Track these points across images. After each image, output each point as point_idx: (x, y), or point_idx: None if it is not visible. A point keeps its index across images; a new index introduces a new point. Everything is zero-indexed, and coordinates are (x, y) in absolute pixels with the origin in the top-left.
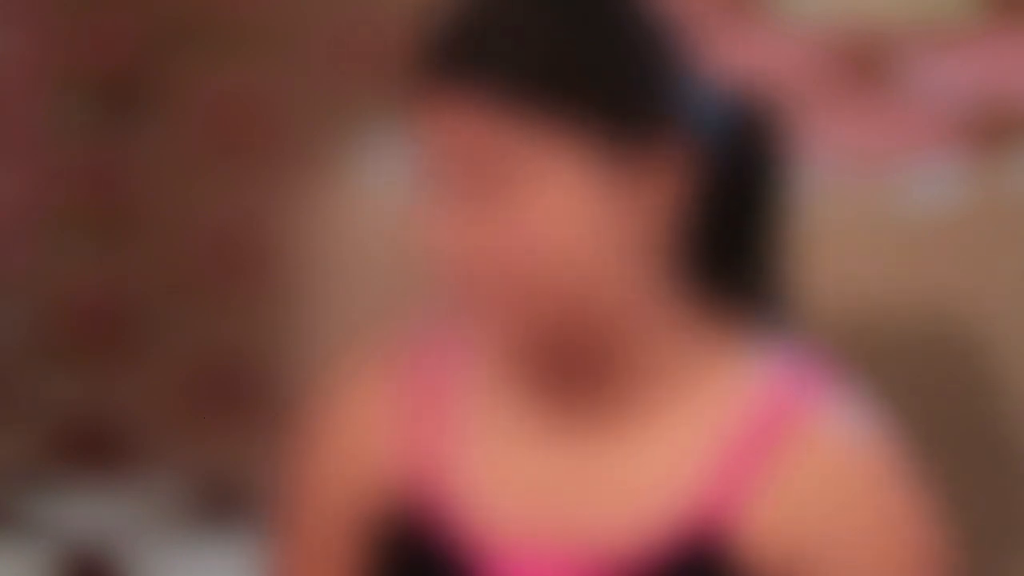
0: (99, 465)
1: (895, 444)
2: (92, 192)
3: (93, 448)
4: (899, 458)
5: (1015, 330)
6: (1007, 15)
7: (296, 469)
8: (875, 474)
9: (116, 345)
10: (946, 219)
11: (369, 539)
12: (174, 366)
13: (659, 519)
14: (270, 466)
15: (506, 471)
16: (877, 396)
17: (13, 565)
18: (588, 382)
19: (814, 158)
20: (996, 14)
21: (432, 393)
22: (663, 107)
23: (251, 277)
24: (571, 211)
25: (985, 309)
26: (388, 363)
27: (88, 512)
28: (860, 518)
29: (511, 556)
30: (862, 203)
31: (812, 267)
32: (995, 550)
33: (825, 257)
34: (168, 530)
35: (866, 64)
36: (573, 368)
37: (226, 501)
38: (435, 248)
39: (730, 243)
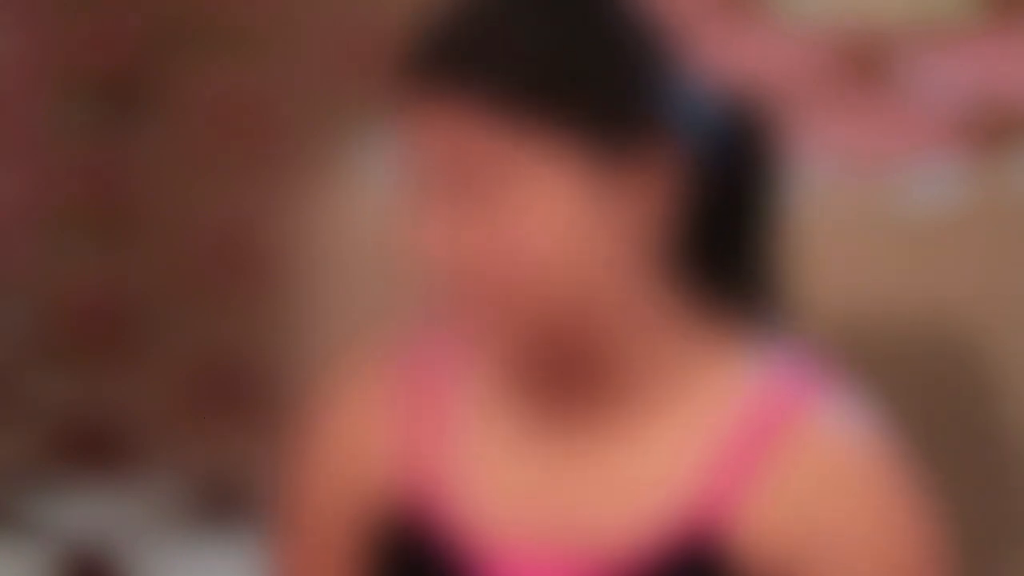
0: (99, 465)
1: (892, 444)
2: (92, 192)
3: (93, 448)
4: (896, 458)
5: (1015, 330)
6: (1007, 15)
7: (295, 470)
8: (872, 474)
9: (116, 345)
10: (946, 219)
11: (368, 540)
12: (174, 366)
13: (656, 520)
14: (270, 466)
15: (504, 472)
16: (875, 396)
17: (13, 565)
18: (584, 383)
19: (813, 158)
20: (996, 14)
21: (430, 394)
22: (653, 111)
23: (251, 277)
24: (560, 216)
25: (985, 309)
26: (387, 364)
27: (88, 512)
28: (857, 518)
29: (509, 557)
30: (862, 203)
31: (811, 267)
32: (992, 551)
33: (824, 257)
34: (168, 530)
35: (866, 64)
36: (569, 370)
37: (226, 501)
38: (424, 252)
39: (726, 244)
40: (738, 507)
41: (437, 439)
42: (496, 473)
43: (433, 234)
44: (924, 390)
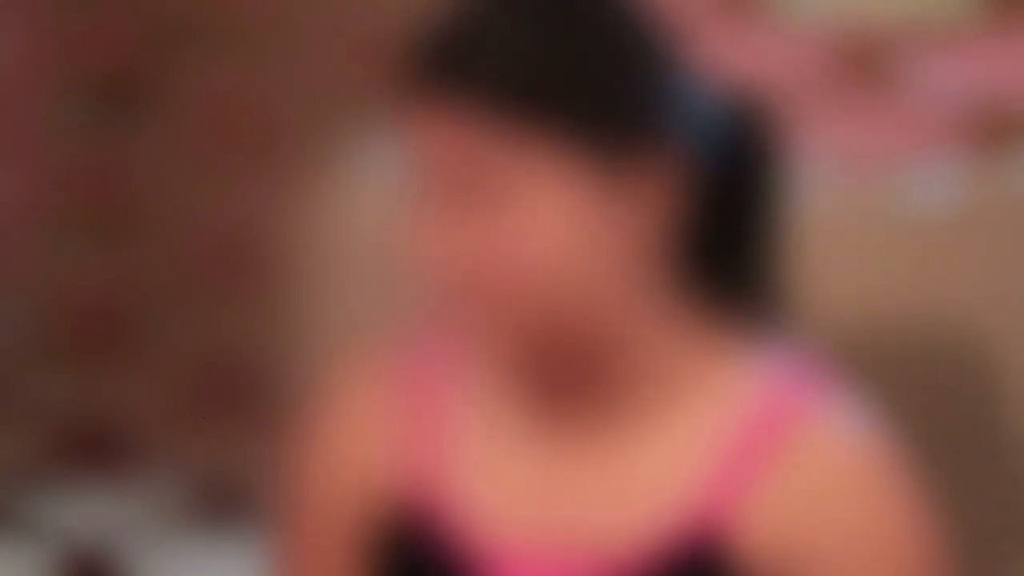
0: (99, 465)
1: (893, 446)
2: (92, 192)
3: (93, 448)
4: (897, 460)
5: (1015, 330)
6: (1007, 15)
7: (295, 471)
8: (872, 476)
9: (116, 345)
10: (946, 219)
11: (369, 540)
12: (174, 366)
13: (657, 522)
14: (270, 466)
15: (505, 473)
16: (875, 397)
17: (13, 565)
18: (585, 385)
19: (814, 158)
20: (996, 14)
21: (431, 395)
22: (653, 116)
23: (251, 277)
24: (561, 219)
25: (985, 309)
26: (387, 364)
27: (88, 512)
28: (858, 520)
29: (509, 558)
30: (862, 203)
31: (812, 267)
32: (992, 554)
33: (825, 257)
34: (168, 530)
35: (866, 64)
36: (570, 371)
37: (226, 501)
38: (423, 256)
39: (727, 245)
40: (740, 508)
41: (437, 439)
42: (497, 474)
43: (433, 237)
44: (924, 390)
